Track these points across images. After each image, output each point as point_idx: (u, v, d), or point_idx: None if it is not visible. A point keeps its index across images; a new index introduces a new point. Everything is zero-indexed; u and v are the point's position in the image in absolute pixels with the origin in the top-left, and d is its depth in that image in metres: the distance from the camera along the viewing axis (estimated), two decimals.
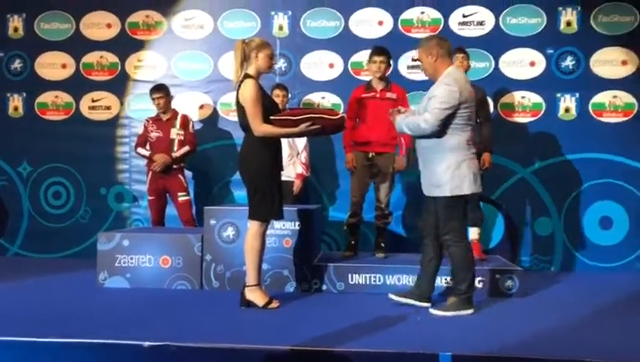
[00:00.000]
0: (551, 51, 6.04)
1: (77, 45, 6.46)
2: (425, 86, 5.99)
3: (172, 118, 5.80)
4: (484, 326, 3.71)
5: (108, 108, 6.45)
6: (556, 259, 6.00)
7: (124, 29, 6.44)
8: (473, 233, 5.13)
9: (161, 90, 5.75)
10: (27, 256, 6.42)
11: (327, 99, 6.21)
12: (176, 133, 5.75)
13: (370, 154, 5.12)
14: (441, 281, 4.57)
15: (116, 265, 4.75)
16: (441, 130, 3.91)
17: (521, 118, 6.08)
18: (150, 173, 5.77)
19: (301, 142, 5.63)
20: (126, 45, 6.41)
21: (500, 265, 4.82)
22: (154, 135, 5.75)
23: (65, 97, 6.49)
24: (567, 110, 6.03)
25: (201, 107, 6.36)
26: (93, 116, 6.46)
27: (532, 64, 6.05)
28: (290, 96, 5.82)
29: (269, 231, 4.29)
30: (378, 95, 5.12)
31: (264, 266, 4.36)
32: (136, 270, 4.74)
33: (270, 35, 6.14)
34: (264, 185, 4.01)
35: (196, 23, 6.38)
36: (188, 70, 6.38)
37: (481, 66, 6.01)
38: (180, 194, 5.73)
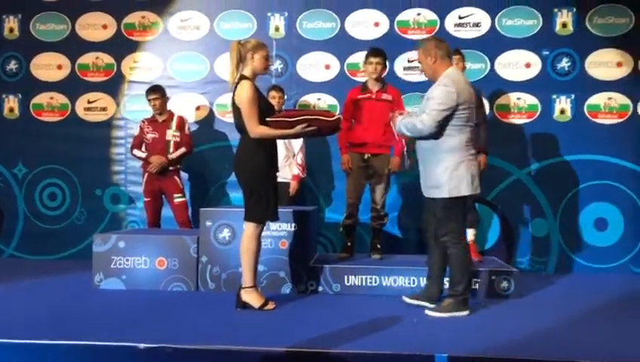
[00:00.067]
0: (546, 53, 6.05)
1: (72, 46, 6.45)
2: (421, 87, 6.06)
3: (168, 120, 5.79)
4: (480, 327, 3.71)
5: (103, 109, 6.44)
6: (551, 261, 6.01)
7: (120, 30, 6.44)
8: (469, 234, 5.13)
9: (157, 91, 5.74)
10: (23, 257, 6.40)
11: (323, 101, 6.22)
12: (172, 135, 5.75)
13: (366, 156, 5.13)
14: None
15: (112, 266, 4.74)
16: (439, 131, 3.92)
17: (517, 120, 6.09)
18: (146, 175, 5.76)
19: (297, 143, 5.64)
20: (122, 46, 6.41)
21: (496, 267, 4.82)
22: (150, 136, 5.74)
23: (60, 98, 6.48)
24: (562, 111, 6.05)
25: (198, 108, 6.35)
26: (89, 117, 6.45)
27: (528, 65, 6.07)
28: (286, 97, 5.81)
29: (265, 233, 4.28)
30: (374, 96, 5.12)
31: (260, 268, 4.36)
32: (131, 271, 4.73)
33: (266, 37, 6.14)
34: (260, 187, 4.01)
35: (192, 24, 6.38)
36: (184, 71, 6.38)
37: (476, 68, 6.02)
38: (175, 195, 5.73)
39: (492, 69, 6.08)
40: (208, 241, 4.71)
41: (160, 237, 4.84)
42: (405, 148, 4.52)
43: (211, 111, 6.35)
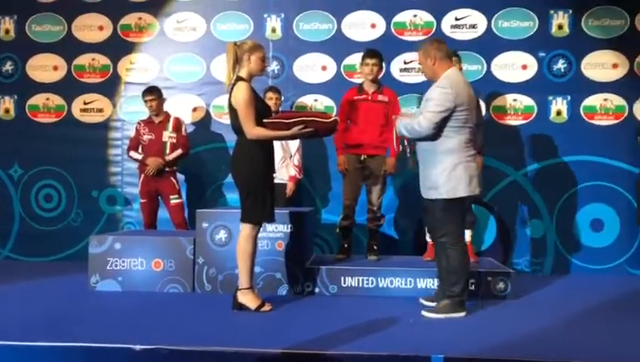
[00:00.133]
0: (543, 54, 6.07)
1: (69, 47, 6.43)
2: (417, 89, 6.09)
3: (164, 121, 5.78)
4: (476, 328, 3.72)
5: (100, 110, 6.43)
6: (548, 262, 6.02)
7: (116, 31, 6.43)
8: (466, 235, 5.14)
9: (153, 93, 5.74)
10: (18, 259, 6.38)
11: (319, 102, 6.22)
12: (168, 136, 5.74)
13: (362, 157, 5.13)
14: (434, 284, 4.60)
15: (108, 268, 4.73)
16: (437, 132, 3.93)
17: (513, 121, 6.10)
18: (142, 176, 5.75)
19: (294, 144, 5.64)
20: (118, 47, 6.39)
21: (492, 268, 4.83)
22: (146, 138, 5.74)
23: (56, 99, 6.46)
24: (558, 113, 6.06)
25: (194, 110, 6.34)
26: (85, 118, 6.44)
27: (524, 67, 6.08)
28: (283, 98, 5.81)
29: (261, 234, 4.28)
30: (370, 97, 5.13)
31: (256, 269, 4.36)
32: (128, 273, 4.72)
33: (263, 38, 6.14)
34: (256, 188, 4.01)
35: (189, 25, 6.37)
36: (180, 72, 6.37)
37: (473, 69, 6.03)
38: (172, 196, 5.72)
39: (488, 71, 6.09)
40: (205, 243, 4.70)
41: (156, 239, 4.84)
42: (408, 149, 4.53)
43: (208, 113, 6.34)
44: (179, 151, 5.74)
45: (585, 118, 6.03)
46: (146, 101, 5.73)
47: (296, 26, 6.26)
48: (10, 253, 6.42)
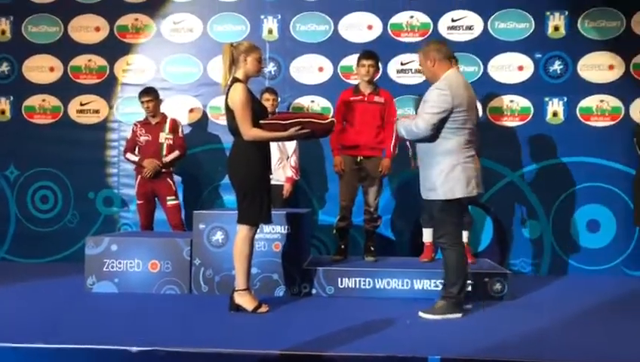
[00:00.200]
0: (539, 56, 6.08)
1: (65, 48, 6.42)
2: (414, 90, 6.11)
3: (161, 122, 5.78)
4: (473, 329, 3.72)
5: (96, 111, 6.42)
6: (544, 262, 6.03)
7: (113, 32, 6.42)
8: (463, 236, 5.15)
9: (150, 94, 5.73)
10: (14, 260, 6.36)
11: (316, 103, 6.22)
12: (165, 137, 5.73)
13: (359, 158, 5.14)
14: (431, 285, 4.60)
15: (104, 269, 4.72)
16: (435, 134, 3.94)
17: (510, 122, 6.12)
18: (139, 177, 5.74)
19: (291, 145, 5.63)
20: (115, 48, 6.38)
21: (489, 268, 4.84)
22: (143, 139, 5.73)
23: (53, 101, 6.45)
24: (555, 114, 6.07)
25: (191, 111, 6.34)
26: (82, 120, 6.42)
27: (520, 68, 6.09)
28: (279, 99, 5.81)
29: (258, 235, 4.28)
30: (366, 98, 5.14)
31: (253, 270, 4.35)
32: (124, 275, 4.71)
33: (260, 39, 6.14)
34: (253, 189, 4.01)
35: (185, 26, 6.36)
36: (177, 74, 6.36)
37: (469, 70, 6.03)
38: (168, 198, 5.71)
39: (485, 72, 6.10)
40: (201, 244, 4.70)
41: (153, 240, 4.83)
42: (410, 151, 4.56)
43: (204, 114, 6.34)
44: (176, 153, 5.73)
45: (581, 119, 6.05)
46: (142, 102, 5.72)
47: (292, 27, 6.26)
48: (6, 255, 6.40)
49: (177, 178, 6.00)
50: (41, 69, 6.47)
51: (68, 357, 3.11)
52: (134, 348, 3.10)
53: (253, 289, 4.28)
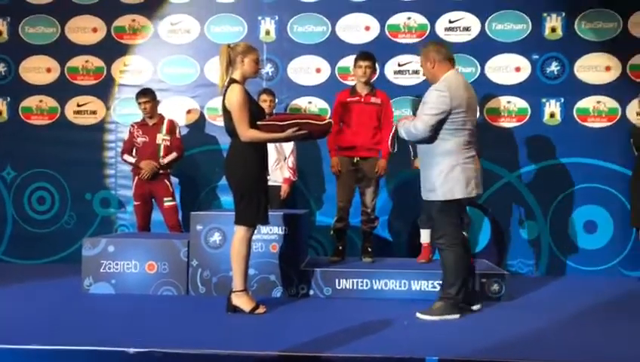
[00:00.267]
0: (536, 57, 6.09)
1: (62, 49, 6.41)
2: (411, 91, 6.11)
3: (158, 123, 5.77)
4: (471, 329, 3.72)
5: (93, 112, 6.41)
6: (542, 263, 6.04)
7: (110, 33, 6.41)
8: None
9: (147, 95, 5.72)
10: (11, 262, 6.34)
11: (314, 104, 6.22)
12: (162, 139, 5.72)
13: (356, 159, 5.14)
14: (428, 285, 4.61)
15: (101, 270, 4.71)
16: (433, 135, 3.95)
17: (507, 123, 6.12)
18: (136, 178, 5.74)
19: (288, 146, 5.63)
20: (112, 49, 6.38)
21: (487, 269, 4.84)
22: (140, 140, 5.72)
23: (50, 102, 6.44)
24: (552, 115, 6.08)
25: (188, 112, 6.33)
26: (79, 121, 6.41)
27: (517, 69, 6.10)
28: (277, 101, 5.81)
29: (255, 236, 4.28)
30: (363, 99, 5.15)
31: (251, 271, 4.35)
32: (121, 276, 4.71)
33: (257, 40, 6.14)
34: (250, 190, 4.00)
35: (182, 27, 6.36)
36: (174, 75, 6.36)
37: (467, 72, 6.04)
38: (165, 199, 5.70)
39: (482, 73, 6.11)
40: (199, 245, 4.69)
41: (150, 241, 4.82)
42: (412, 151, 4.58)
43: (202, 115, 6.33)
44: (174, 155, 5.72)
45: (578, 120, 6.06)
46: (139, 103, 5.72)
47: (290, 28, 6.26)
48: (3, 256, 6.38)
49: (175, 179, 5.99)
50: (38, 69, 6.45)
51: (65, 358, 3.10)
52: (131, 350, 3.09)
53: (251, 291, 4.28)
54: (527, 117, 6.09)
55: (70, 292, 4.71)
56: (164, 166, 5.69)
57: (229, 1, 6.31)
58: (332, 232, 5.31)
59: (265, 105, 5.29)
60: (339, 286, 4.68)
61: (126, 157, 5.78)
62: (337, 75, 6.20)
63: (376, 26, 6.20)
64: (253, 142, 3.99)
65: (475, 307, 4.21)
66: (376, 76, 5.29)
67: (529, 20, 6.09)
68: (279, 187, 5.59)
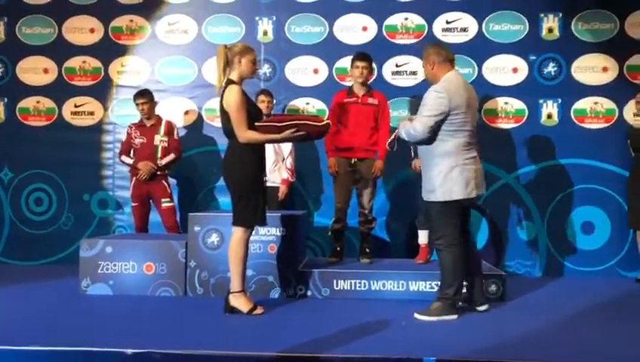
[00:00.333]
0: (533, 58, 6.10)
1: (59, 50, 6.40)
2: (408, 92, 6.11)
3: (156, 124, 5.76)
4: (468, 330, 3.72)
5: (91, 113, 6.40)
6: (539, 264, 6.04)
7: (108, 34, 6.40)
8: None
9: (145, 96, 5.71)
10: (8, 263, 6.32)
11: (311, 105, 6.22)
12: (160, 140, 5.72)
13: (353, 160, 5.15)
14: (426, 286, 4.61)
15: (99, 271, 4.71)
16: (432, 136, 3.97)
17: (504, 124, 6.13)
18: (133, 180, 5.73)
19: (286, 147, 5.63)
20: (109, 50, 6.37)
21: (484, 270, 4.82)
22: (138, 141, 5.72)
23: (47, 102, 6.43)
24: (549, 116, 6.09)
25: (186, 113, 6.33)
26: (76, 122, 6.40)
27: (515, 70, 6.11)
28: (274, 101, 5.81)
29: (253, 237, 4.28)
30: (360, 100, 5.15)
31: (249, 272, 4.35)
32: (119, 277, 4.70)
33: (255, 41, 6.14)
34: (248, 191, 4.00)
35: (180, 27, 6.36)
36: (172, 75, 6.35)
37: (464, 72, 6.03)
38: (163, 200, 5.70)
39: (479, 74, 6.12)
40: (196, 246, 4.69)
41: (148, 242, 4.81)
42: (413, 152, 4.58)
43: (200, 116, 6.33)
44: (172, 156, 5.72)
45: (575, 121, 6.07)
46: (137, 104, 5.71)
47: (287, 28, 6.26)
48: (1, 257, 6.36)
49: (172, 180, 5.99)
50: (35, 70, 6.44)
51: (62, 359, 3.09)
52: (129, 351, 3.09)
53: (249, 292, 4.28)
54: (525, 118, 6.10)
55: (68, 293, 4.70)
56: (162, 167, 5.69)
57: (226, 1, 6.31)
58: (330, 233, 5.31)
59: (263, 106, 5.29)
60: (337, 287, 4.68)
61: (124, 158, 5.77)
62: (335, 75, 6.20)
63: (374, 27, 6.20)
64: (250, 143, 3.99)
65: (482, 308, 4.20)
66: (373, 77, 5.30)
67: (526, 21, 6.10)
68: (277, 188, 5.59)
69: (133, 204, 5.77)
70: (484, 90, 6.08)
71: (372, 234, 5.39)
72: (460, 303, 4.13)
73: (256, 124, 4.00)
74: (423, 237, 5.21)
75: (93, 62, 6.40)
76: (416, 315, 3.99)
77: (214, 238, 4.67)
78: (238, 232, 4.03)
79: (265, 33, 6.29)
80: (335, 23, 6.22)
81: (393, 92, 5.99)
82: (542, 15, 6.10)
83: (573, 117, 6.07)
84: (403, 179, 5.92)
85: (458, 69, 5.72)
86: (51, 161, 6.33)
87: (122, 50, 6.38)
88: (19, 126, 6.42)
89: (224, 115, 4.03)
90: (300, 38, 6.26)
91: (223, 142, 5.23)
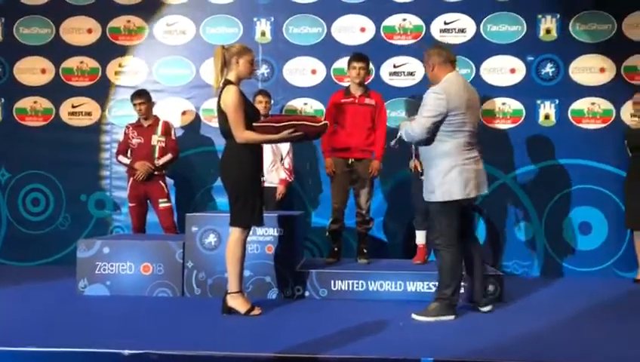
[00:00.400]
0: (531, 58, 6.11)
1: (57, 50, 6.39)
2: (406, 93, 6.12)
3: (154, 125, 5.76)
4: (466, 330, 3.73)
5: (88, 114, 6.39)
6: (537, 264, 6.05)
7: (105, 34, 6.39)
8: None
9: (142, 96, 5.71)
10: (6, 264, 6.31)
11: (309, 105, 6.22)
12: (157, 140, 5.72)
13: (350, 161, 5.15)
14: (423, 287, 4.61)
15: (96, 272, 4.70)
16: (431, 137, 3.98)
17: (502, 125, 6.14)
18: (131, 180, 5.72)
19: (285, 147, 5.63)
20: (107, 50, 6.36)
21: None
22: (135, 141, 5.71)
23: (44, 103, 6.42)
24: (546, 116, 6.10)
25: (183, 113, 6.32)
26: (73, 122, 6.39)
27: (512, 71, 6.12)
28: (272, 102, 5.80)
29: (251, 238, 4.27)
30: (357, 101, 5.15)
31: (246, 273, 4.34)
32: (116, 277, 4.69)
33: (252, 41, 6.14)
34: (245, 192, 4.00)
35: (178, 28, 6.35)
36: (170, 76, 6.35)
37: (462, 73, 5.99)
38: (160, 200, 5.69)
39: (477, 75, 6.12)
40: (194, 246, 4.68)
41: (145, 243, 4.81)
42: (414, 153, 4.58)
43: (197, 116, 6.32)
44: (169, 156, 5.72)
45: (573, 121, 6.08)
46: (134, 104, 5.71)
47: (285, 29, 6.26)
48: None
49: (170, 180, 5.98)
50: (32, 70, 6.43)
51: (60, 360, 3.09)
52: (126, 351, 3.08)
53: (246, 292, 4.27)
54: (522, 118, 6.11)
55: (65, 294, 4.69)
56: (159, 167, 5.68)
57: (224, 2, 6.31)
58: (327, 233, 5.31)
59: (260, 107, 5.28)
60: (334, 287, 4.68)
61: (121, 158, 5.77)
62: (333, 76, 6.20)
63: (372, 28, 6.21)
64: (248, 143, 3.99)
65: (485, 309, 4.20)
66: (371, 78, 5.30)
67: (524, 22, 6.11)
68: (275, 188, 5.58)
69: (131, 205, 5.76)
70: (482, 91, 6.05)
71: (369, 234, 5.39)
72: (466, 303, 4.14)
73: (254, 124, 4.00)
74: (420, 237, 5.21)
75: (90, 63, 6.39)
76: (413, 316, 3.99)
77: (212, 239, 4.67)
78: (235, 233, 4.03)
79: (263, 34, 6.29)
80: (333, 24, 6.22)
81: (391, 92, 6.00)
82: (539, 16, 6.11)
83: (570, 117, 6.08)
84: (400, 179, 5.92)
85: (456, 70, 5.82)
86: (48, 161, 6.32)
87: (120, 51, 6.37)
88: (16, 126, 6.41)
89: (222, 115, 4.03)
90: (298, 38, 6.26)
91: (220, 143, 5.20)
